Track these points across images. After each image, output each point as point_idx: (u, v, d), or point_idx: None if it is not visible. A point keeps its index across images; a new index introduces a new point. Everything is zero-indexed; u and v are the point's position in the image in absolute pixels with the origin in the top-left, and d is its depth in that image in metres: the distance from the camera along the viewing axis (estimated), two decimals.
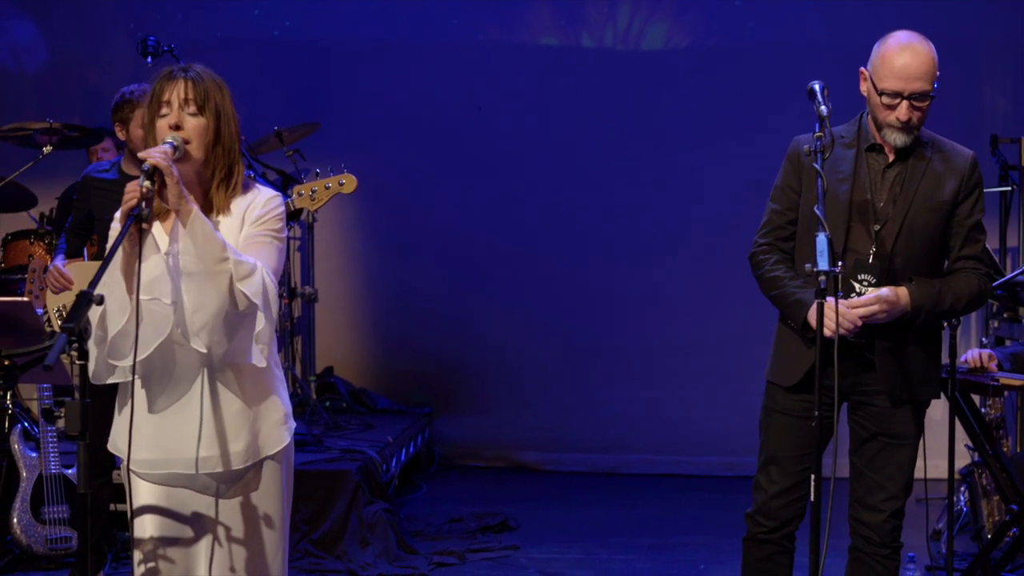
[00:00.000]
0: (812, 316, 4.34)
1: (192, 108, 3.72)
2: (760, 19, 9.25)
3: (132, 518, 3.82)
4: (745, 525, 4.75)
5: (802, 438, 4.53)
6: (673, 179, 9.30)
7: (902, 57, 4.38)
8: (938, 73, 4.43)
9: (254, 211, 3.79)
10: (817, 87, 4.33)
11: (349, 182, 5.50)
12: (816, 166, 4.19)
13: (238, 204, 3.80)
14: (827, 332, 4.19)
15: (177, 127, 3.70)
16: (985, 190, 7.56)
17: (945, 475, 5.51)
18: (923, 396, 4.60)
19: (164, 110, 3.73)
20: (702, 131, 9.16)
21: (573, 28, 9.50)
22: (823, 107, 4.31)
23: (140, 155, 3.59)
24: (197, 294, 3.60)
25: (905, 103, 4.38)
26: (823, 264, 4.01)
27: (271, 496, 3.88)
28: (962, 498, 7.12)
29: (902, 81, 4.37)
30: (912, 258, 4.48)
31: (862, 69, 4.50)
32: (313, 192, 5.46)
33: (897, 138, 4.45)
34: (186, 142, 3.69)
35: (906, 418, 4.56)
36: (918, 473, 4.66)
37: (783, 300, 4.56)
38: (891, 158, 4.50)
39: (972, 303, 4.58)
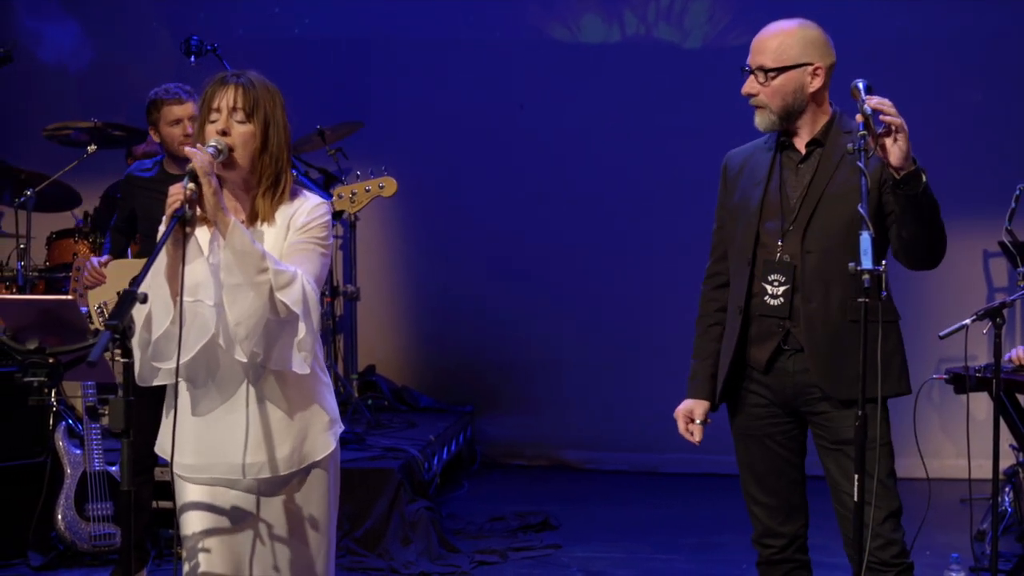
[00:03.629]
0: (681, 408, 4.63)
1: (240, 116, 3.72)
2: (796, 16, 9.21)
3: (178, 520, 3.84)
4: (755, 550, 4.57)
5: (763, 451, 4.45)
6: (713, 176, 9.26)
7: (761, 32, 4.33)
8: (797, 51, 4.25)
9: (299, 218, 3.78)
10: (861, 85, 4.21)
11: (389, 185, 5.45)
12: (860, 164, 3.98)
13: (283, 213, 3.80)
14: None
15: (224, 133, 3.71)
16: None
17: (989, 475, 5.47)
18: (864, 394, 3.97)
19: (214, 116, 3.73)
20: (743, 128, 9.11)
21: (615, 24, 9.49)
22: (867, 106, 4.18)
23: (187, 151, 3.59)
24: (239, 305, 3.60)
25: (750, 77, 4.30)
26: (867, 263, 3.76)
27: (317, 500, 3.89)
28: (1007, 498, 7.08)
29: (751, 54, 4.31)
30: (829, 252, 4.21)
31: None
32: (353, 195, 5.42)
33: (756, 120, 4.37)
34: (231, 148, 3.70)
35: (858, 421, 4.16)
36: (961, 473, 4.56)
37: (690, 370, 4.67)
38: (803, 152, 4.34)
39: (942, 236, 4.15)
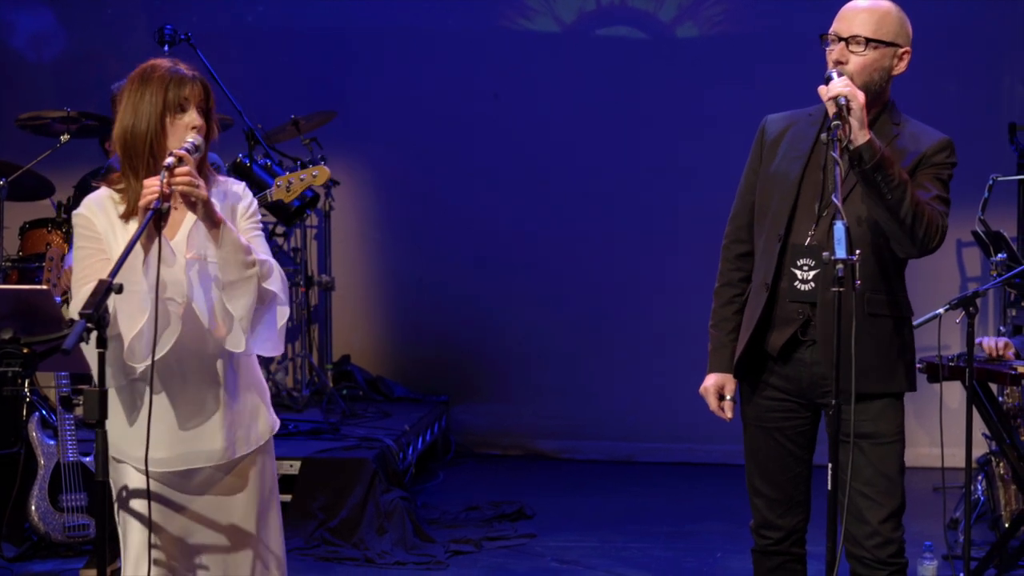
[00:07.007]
0: (710, 383, 4.42)
1: (202, 109, 3.79)
2: (776, 6, 9.23)
3: (120, 510, 3.84)
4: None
5: (770, 444, 4.34)
6: (690, 165, 9.27)
7: (852, 4, 4.22)
8: (895, 29, 4.20)
9: (242, 203, 3.88)
10: (835, 75, 4.18)
11: (321, 173, 5.80)
12: (834, 155, 3.88)
13: (218, 189, 3.86)
14: None
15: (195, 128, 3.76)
16: (1002, 179, 7.49)
17: (962, 464, 5.50)
18: (876, 389, 4.15)
19: (185, 106, 3.75)
20: (723, 116, 9.12)
21: (590, 14, 9.49)
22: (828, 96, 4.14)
23: (191, 196, 3.59)
24: (241, 300, 3.68)
25: (841, 44, 4.15)
26: (840, 252, 3.70)
27: (270, 475, 3.99)
28: (979, 487, 7.11)
29: (843, 22, 4.17)
30: (856, 244, 3.98)
31: None
32: (289, 184, 5.77)
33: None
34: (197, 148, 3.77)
35: (873, 415, 4.17)
36: (934, 462, 4.56)
37: (711, 342, 4.49)
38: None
39: (929, 224, 4.05)
